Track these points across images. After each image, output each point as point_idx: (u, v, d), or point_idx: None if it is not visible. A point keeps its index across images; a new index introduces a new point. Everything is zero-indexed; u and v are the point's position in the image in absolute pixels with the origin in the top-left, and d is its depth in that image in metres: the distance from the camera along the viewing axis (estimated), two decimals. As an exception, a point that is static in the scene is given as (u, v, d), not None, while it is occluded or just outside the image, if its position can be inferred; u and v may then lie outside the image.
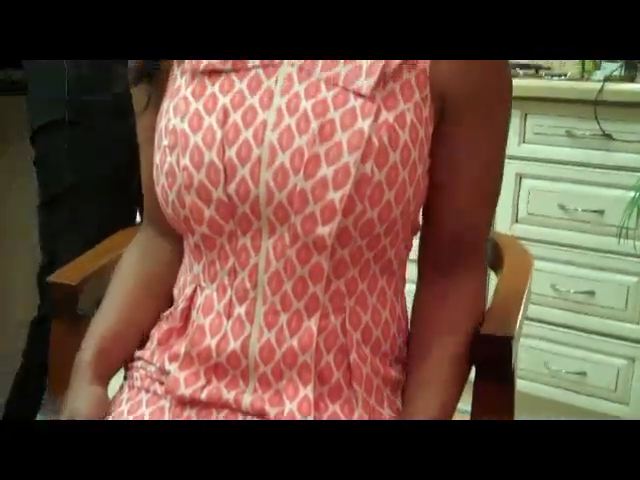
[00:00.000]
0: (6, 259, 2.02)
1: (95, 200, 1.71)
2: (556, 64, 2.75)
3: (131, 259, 1.11)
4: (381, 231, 0.92)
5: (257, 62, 0.94)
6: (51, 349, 1.12)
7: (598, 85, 2.21)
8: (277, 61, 0.93)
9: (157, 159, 0.96)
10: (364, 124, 0.88)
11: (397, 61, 0.91)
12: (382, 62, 0.90)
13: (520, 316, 0.98)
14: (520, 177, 2.37)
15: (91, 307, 1.17)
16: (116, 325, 1.05)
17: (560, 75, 2.43)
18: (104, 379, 1.02)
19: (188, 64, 0.96)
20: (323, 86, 0.91)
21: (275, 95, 0.92)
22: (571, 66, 2.64)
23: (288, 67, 0.93)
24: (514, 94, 0.99)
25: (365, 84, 0.90)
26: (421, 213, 1.01)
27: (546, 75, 2.44)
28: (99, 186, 1.71)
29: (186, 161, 0.92)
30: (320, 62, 0.92)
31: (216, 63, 0.94)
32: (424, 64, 0.93)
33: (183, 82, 0.97)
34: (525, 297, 1.04)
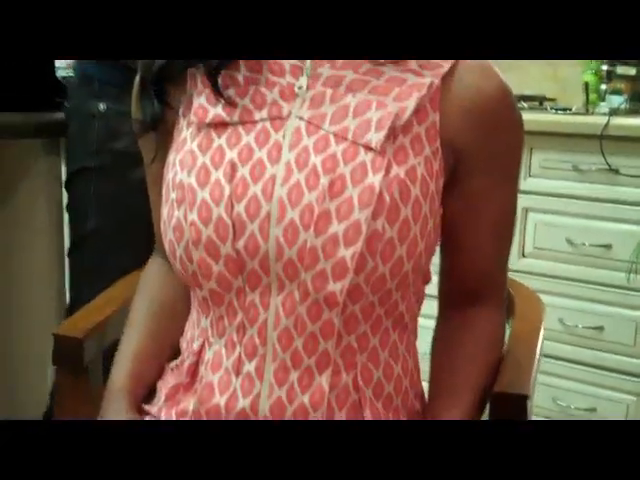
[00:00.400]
0: (23, 311, 1.98)
1: (120, 245, 1.71)
2: (561, 96, 2.75)
3: (141, 310, 1.09)
4: (392, 286, 0.91)
5: (264, 115, 0.93)
6: (56, 402, 1.11)
7: (603, 119, 2.20)
8: (285, 114, 0.92)
9: (164, 213, 0.95)
10: (375, 179, 0.87)
11: (407, 114, 0.90)
12: (392, 116, 0.89)
13: (534, 372, 0.97)
14: (527, 211, 2.35)
15: (97, 356, 1.16)
16: (145, 347, 1.05)
17: (565, 109, 2.42)
18: (138, 403, 1.02)
19: (194, 116, 0.95)
20: (332, 140, 0.90)
21: (283, 149, 0.91)
22: (575, 98, 2.64)
23: (296, 120, 0.92)
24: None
25: (375, 138, 0.88)
26: (438, 250, 1.01)
27: (551, 109, 2.43)
28: (124, 232, 1.72)
29: (194, 216, 0.91)
30: (328, 116, 0.91)
31: (223, 115, 0.93)
32: (434, 117, 0.92)
33: (189, 134, 0.95)
34: (538, 351, 1.03)
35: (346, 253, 0.86)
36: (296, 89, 0.93)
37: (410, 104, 0.90)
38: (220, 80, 0.94)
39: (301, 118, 0.91)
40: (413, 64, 0.93)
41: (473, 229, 0.99)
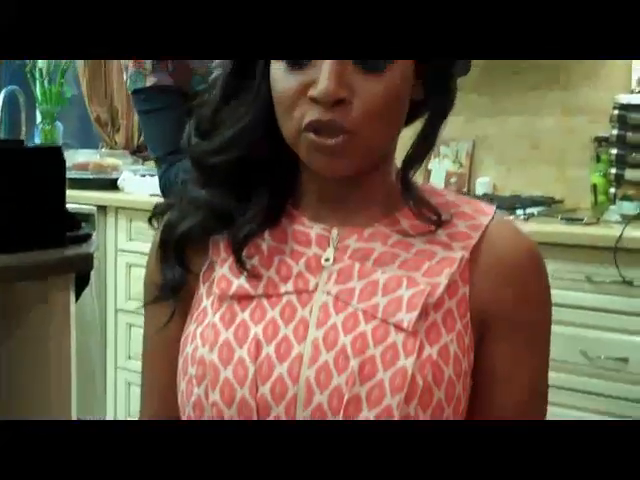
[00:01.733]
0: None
1: None
2: (569, 197, 2.74)
3: None
4: (425, 468, 0.86)
5: (290, 288, 0.90)
6: None
7: (615, 230, 2.18)
8: (311, 288, 0.89)
9: (182, 386, 0.91)
10: (407, 362, 0.84)
11: (439, 292, 0.87)
12: (424, 294, 0.86)
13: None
14: (540, 322, 2.32)
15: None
16: None
17: (576, 219, 2.40)
18: None
19: (217, 287, 0.91)
20: (361, 318, 0.86)
21: (310, 326, 0.87)
22: (584, 199, 2.63)
23: (323, 295, 0.88)
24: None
25: (407, 318, 0.85)
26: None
27: (562, 218, 2.41)
28: None
29: (216, 397, 0.87)
30: (357, 291, 0.88)
31: (247, 288, 0.90)
32: (464, 290, 0.89)
33: (209, 305, 0.92)
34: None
35: None
36: (323, 261, 0.90)
37: (442, 281, 0.87)
38: (244, 249, 0.91)
39: (328, 293, 0.88)
40: (442, 235, 0.90)
41: (497, 395, 0.92)
